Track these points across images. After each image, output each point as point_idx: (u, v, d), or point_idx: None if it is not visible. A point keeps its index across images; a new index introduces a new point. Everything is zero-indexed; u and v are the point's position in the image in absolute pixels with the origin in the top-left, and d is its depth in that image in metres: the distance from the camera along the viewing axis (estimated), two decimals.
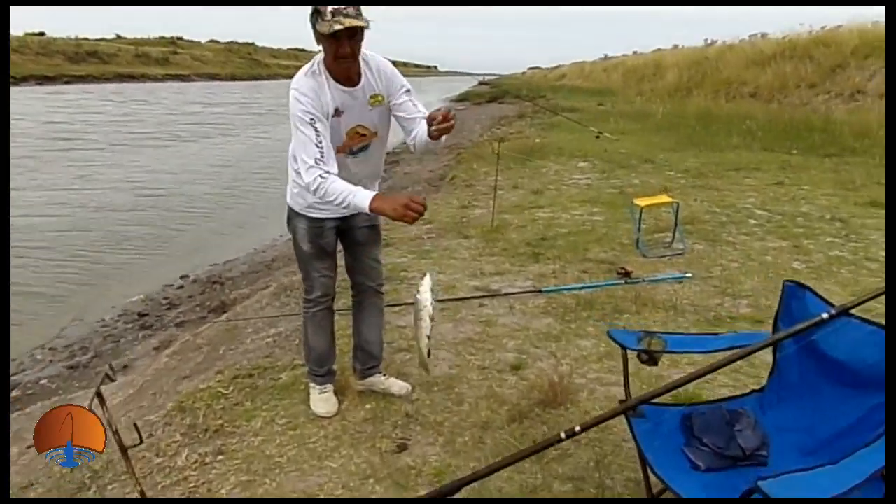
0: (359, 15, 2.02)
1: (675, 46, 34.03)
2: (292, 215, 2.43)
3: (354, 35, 2.05)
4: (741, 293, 3.80)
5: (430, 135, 2.10)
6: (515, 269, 4.47)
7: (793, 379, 1.60)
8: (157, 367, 3.86)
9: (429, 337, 2.26)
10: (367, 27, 2.05)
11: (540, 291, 3.91)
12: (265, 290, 5.40)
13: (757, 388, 1.90)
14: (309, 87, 2.13)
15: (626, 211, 5.78)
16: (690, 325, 3.33)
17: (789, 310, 1.59)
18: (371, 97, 2.26)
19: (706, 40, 27.83)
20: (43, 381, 4.46)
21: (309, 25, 2.08)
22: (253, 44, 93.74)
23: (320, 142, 2.08)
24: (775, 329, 1.65)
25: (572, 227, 5.57)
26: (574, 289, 3.93)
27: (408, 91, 2.30)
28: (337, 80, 2.17)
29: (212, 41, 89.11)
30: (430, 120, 2.03)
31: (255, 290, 5.87)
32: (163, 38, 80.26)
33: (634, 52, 39.24)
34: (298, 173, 2.33)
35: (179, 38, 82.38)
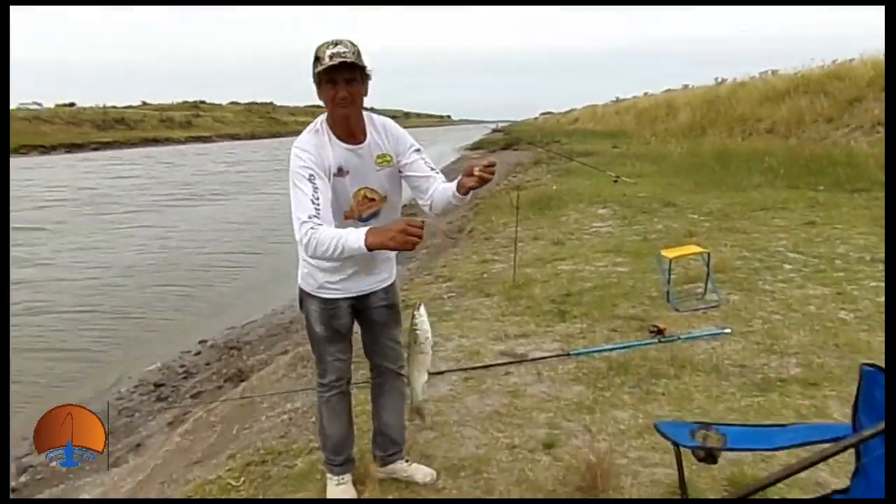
0: (358, 57, 1.96)
1: (686, 86, 34.30)
2: (304, 297, 2.27)
3: (354, 79, 1.97)
4: (788, 350, 3.52)
5: (459, 187, 1.97)
6: (541, 330, 4.25)
7: (882, 481, 1.37)
8: (169, 447, 3.67)
9: (428, 372, 2.15)
10: (367, 72, 2.00)
11: (568, 355, 3.68)
12: (283, 355, 5.26)
13: (831, 477, 1.66)
14: (311, 143, 2.04)
15: (653, 261, 5.56)
16: (737, 389, 3.07)
17: (871, 400, 1.37)
18: (378, 157, 2.13)
19: (716, 79, 28.02)
20: (53, 464, 4.28)
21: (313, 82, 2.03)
22: (271, 103, 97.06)
23: (317, 198, 1.93)
24: (855, 421, 1.42)
25: (597, 280, 5.36)
26: (604, 350, 3.69)
27: (417, 150, 2.18)
28: (340, 137, 2.06)
29: (232, 103, 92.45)
30: (470, 169, 1.90)
31: (272, 355, 5.72)
32: (186, 102, 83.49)
33: (645, 94, 39.63)
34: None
35: (202, 102, 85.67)
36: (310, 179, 1.95)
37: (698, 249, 4.45)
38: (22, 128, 47.19)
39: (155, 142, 52.59)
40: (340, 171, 2.07)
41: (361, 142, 2.10)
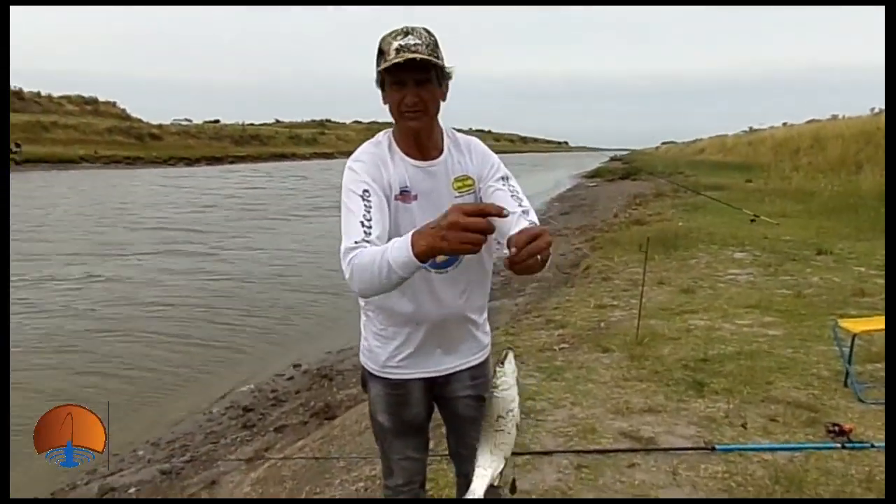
0: (433, 51, 1.45)
1: (835, 116, 31.05)
2: (367, 378, 1.76)
3: (427, 80, 1.47)
4: None
5: (509, 264, 1.23)
6: (672, 406, 3.47)
7: None
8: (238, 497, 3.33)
9: (506, 458, 1.36)
10: (446, 71, 1.49)
11: (713, 450, 2.88)
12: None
13: None
14: (367, 154, 1.55)
15: (816, 326, 4.56)
16: None
17: None
18: (457, 180, 1.59)
19: (873, 109, 25.09)
20: (132, 490, 4.14)
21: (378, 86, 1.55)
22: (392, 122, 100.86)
23: (369, 219, 1.43)
24: None
25: (741, 344, 4.44)
26: (764, 450, 2.86)
27: (505, 178, 1.60)
28: (406, 152, 1.56)
29: (355, 121, 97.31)
30: (509, 244, 1.21)
31: (349, 396, 5.38)
32: (314, 120, 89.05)
33: (784, 124, 36.44)
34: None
35: (328, 121, 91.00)
36: (363, 196, 1.46)
37: None
38: (173, 141, 52.50)
39: (283, 157, 56.27)
40: (405, 194, 1.54)
41: (435, 158, 1.58)
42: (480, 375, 1.73)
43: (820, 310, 5.12)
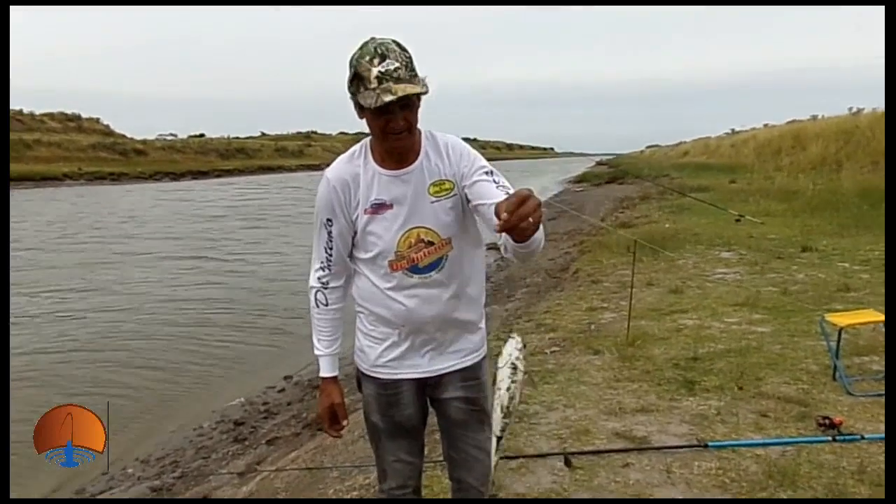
0: (413, 77, 1.46)
1: (814, 116, 31.51)
2: (360, 377, 1.76)
3: (410, 105, 1.49)
4: None
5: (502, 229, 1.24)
6: (664, 405, 3.48)
7: None
8: None
9: (499, 438, 1.57)
10: (425, 92, 1.48)
11: (706, 447, 2.90)
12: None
13: None
14: (338, 175, 1.62)
15: (803, 321, 4.60)
16: None
17: None
18: (434, 185, 1.59)
19: (851, 108, 25.48)
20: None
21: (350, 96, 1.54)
22: None
23: (330, 247, 1.68)
24: None
25: (730, 342, 4.47)
26: (756, 445, 2.87)
27: (489, 171, 1.57)
28: (381, 162, 1.59)
29: (341, 133, 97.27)
30: (497, 213, 1.18)
31: (354, 401, 5.32)
32: (300, 132, 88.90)
33: (766, 125, 36.89)
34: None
35: (313, 132, 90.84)
36: (325, 225, 1.66)
37: (880, 317, 3.48)
38: (158, 156, 52.21)
39: (270, 169, 56.07)
40: (378, 207, 1.58)
41: (410, 163, 1.58)
42: (472, 378, 1.72)
43: (806, 306, 5.18)
